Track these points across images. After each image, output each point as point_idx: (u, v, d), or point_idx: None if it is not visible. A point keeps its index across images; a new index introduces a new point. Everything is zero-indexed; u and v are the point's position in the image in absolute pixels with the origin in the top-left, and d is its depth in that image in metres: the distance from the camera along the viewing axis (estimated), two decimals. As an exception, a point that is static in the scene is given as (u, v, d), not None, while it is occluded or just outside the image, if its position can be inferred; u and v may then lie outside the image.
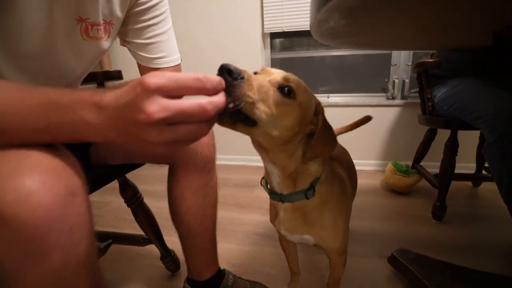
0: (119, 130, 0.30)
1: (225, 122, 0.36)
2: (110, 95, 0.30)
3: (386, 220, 1.20)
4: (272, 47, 2.03)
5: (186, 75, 0.29)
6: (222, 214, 1.29)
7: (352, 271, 0.88)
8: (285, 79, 0.42)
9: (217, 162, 2.38)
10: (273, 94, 0.40)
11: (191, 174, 0.64)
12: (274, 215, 0.60)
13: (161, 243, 0.86)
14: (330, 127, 0.49)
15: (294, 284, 0.80)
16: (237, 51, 1.91)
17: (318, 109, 0.47)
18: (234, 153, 2.10)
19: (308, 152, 0.46)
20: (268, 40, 2.01)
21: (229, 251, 1.01)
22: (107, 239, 0.88)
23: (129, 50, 0.63)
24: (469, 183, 1.56)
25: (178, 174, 0.64)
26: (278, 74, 0.42)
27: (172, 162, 0.64)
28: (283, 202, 0.52)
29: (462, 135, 1.12)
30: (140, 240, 0.87)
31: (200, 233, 0.68)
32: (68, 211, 0.27)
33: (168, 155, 0.62)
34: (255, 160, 2.08)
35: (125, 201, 0.79)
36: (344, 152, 0.79)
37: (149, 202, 0.86)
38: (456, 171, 1.16)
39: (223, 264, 0.78)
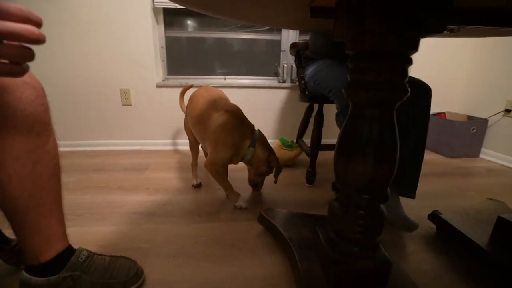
0: None
1: None
2: None
3: (268, 189, 1.30)
4: (178, 25, 1.92)
5: (9, 3, 0.31)
6: (99, 198, 1.17)
7: (227, 234, 0.93)
8: None
9: (109, 148, 2.14)
10: None
11: (11, 137, 0.53)
12: None
13: (-6, 232, 0.70)
14: None
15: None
16: (124, 25, 1.72)
17: None
18: (128, 137, 1.93)
19: None
20: (161, 16, 1.89)
21: (99, 233, 0.91)
22: None
23: None
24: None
25: None
26: None
27: None
28: None
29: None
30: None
31: (33, 207, 0.58)
32: None
33: None
34: (150, 144, 1.96)
35: None
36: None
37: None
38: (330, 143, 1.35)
39: (88, 247, 0.69)
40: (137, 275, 0.70)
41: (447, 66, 2.07)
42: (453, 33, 0.81)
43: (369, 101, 0.48)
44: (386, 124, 0.49)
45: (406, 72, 0.46)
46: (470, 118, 1.99)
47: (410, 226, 0.92)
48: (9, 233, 0.70)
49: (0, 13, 0.31)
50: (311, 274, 0.64)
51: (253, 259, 0.81)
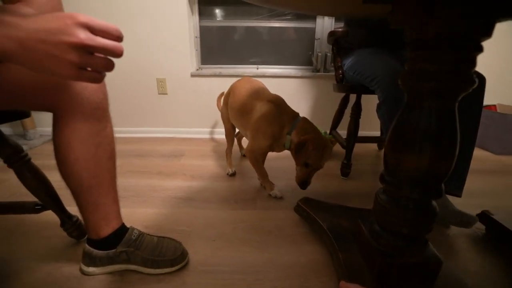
0: (27, 47, 0.33)
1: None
2: (16, 18, 0.33)
3: (302, 178, 1.29)
4: (209, 15, 1.94)
5: (107, 23, 0.37)
6: (142, 182, 1.25)
7: (264, 221, 0.95)
8: None
9: (145, 135, 2.26)
10: None
11: (78, 121, 0.58)
12: None
13: (59, 207, 0.78)
14: None
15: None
16: (161, 16, 1.77)
17: None
18: (164, 125, 2.01)
19: None
20: (196, 6, 1.91)
21: (144, 215, 0.97)
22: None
23: None
24: (376, 147, 1.79)
25: (63, 121, 0.57)
26: None
27: (55, 108, 0.57)
28: None
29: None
30: (32, 206, 0.78)
31: (95, 186, 0.63)
32: None
33: (54, 95, 0.54)
34: (184, 132, 2.03)
35: (5, 161, 0.69)
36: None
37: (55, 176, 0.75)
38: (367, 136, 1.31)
39: (135, 227, 0.75)
40: (183, 255, 0.74)
41: (500, 54, 1.89)
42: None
43: (430, 92, 0.45)
44: (447, 117, 0.47)
45: (474, 60, 0.43)
46: (524, 111, 1.81)
47: (469, 220, 0.88)
48: (71, 210, 0.77)
49: (98, 31, 0.36)
50: (353, 263, 0.64)
51: (291, 247, 0.82)
